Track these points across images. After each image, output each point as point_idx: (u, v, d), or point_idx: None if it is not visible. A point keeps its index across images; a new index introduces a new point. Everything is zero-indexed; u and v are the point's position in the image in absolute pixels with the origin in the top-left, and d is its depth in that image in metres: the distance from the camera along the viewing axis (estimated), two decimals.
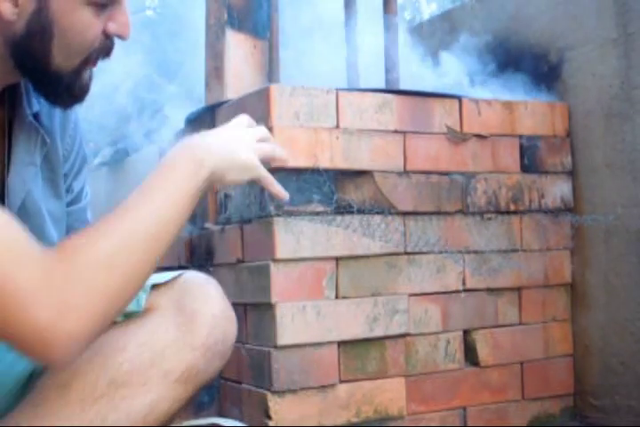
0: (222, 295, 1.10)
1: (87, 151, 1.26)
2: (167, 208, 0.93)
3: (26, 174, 1.04)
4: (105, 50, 1.02)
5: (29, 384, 1.01)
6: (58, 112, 1.12)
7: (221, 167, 1.02)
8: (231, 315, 1.10)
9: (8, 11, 0.92)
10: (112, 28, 0.99)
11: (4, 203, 1.02)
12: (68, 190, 1.18)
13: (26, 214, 1.04)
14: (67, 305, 0.82)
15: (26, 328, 0.80)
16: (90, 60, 1.01)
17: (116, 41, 1.03)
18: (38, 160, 1.07)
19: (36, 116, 1.07)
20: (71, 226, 1.20)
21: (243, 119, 1.14)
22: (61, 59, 0.97)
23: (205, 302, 1.05)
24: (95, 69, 1.05)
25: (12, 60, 0.98)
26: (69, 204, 1.19)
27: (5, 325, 0.80)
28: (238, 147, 1.07)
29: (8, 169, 1.02)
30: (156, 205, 0.93)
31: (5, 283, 0.79)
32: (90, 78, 1.04)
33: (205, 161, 1.00)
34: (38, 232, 1.07)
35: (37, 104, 1.07)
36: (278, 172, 1.63)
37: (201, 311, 1.04)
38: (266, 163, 1.12)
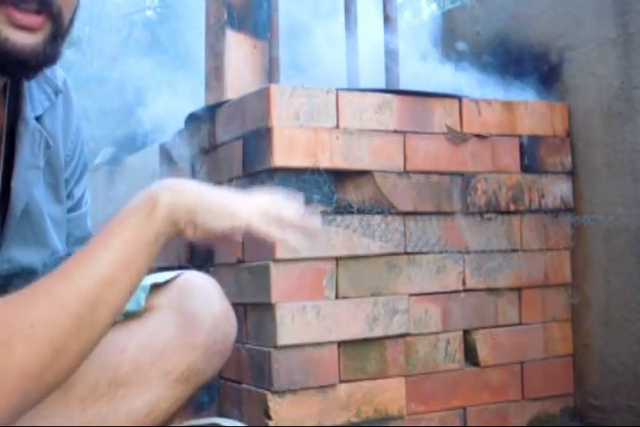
0: (222, 295, 1.10)
1: (87, 154, 1.26)
2: (111, 267, 0.81)
3: (30, 177, 1.04)
4: None
5: None
6: (60, 116, 1.12)
7: (185, 206, 0.87)
8: (231, 315, 1.10)
9: None
10: None
11: (7, 206, 1.01)
12: (69, 196, 1.18)
13: (28, 219, 1.04)
14: None
15: None
16: None
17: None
18: (42, 163, 1.06)
19: (38, 119, 1.06)
20: (71, 233, 1.19)
21: (274, 194, 0.97)
22: None
23: (205, 302, 1.05)
24: (56, 43, 0.92)
25: None
26: (70, 210, 1.18)
27: None
28: (224, 196, 0.92)
29: (11, 172, 1.02)
30: (99, 266, 0.81)
31: None
32: (39, 49, 0.89)
33: (160, 198, 0.86)
34: (40, 237, 1.07)
35: (41, 107, 1.06)
36: (278, 172, 1.63)
37: (201, 311, 1.04)
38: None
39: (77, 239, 1.22)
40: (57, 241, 1.11)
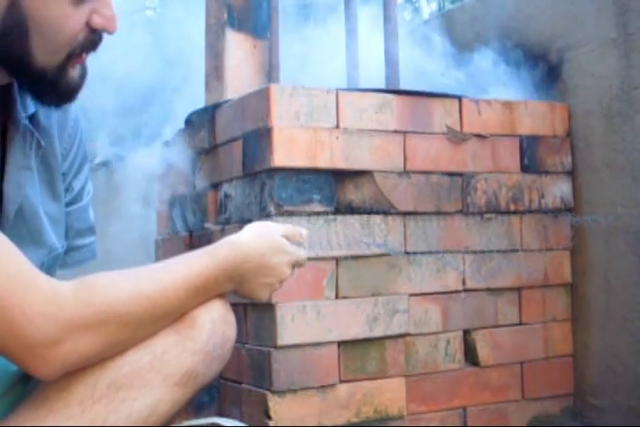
0: (222, 299, 1.09)
1: (88, 150, 1.26)
2: (178, 294, 0.99)
3: (22, 179, 1.03)
4: (91, 44, 0.99)
5: (27, 386, 1.01)
6: (56, 111, 1.12)
7: (242, 287, 1.10)
8: (231, 319, 1.09)
9: None
10: (97, 21, 0.96)
11: (1, 208, 1.01)
12: (68, 189, 1.18)
13: (23, 219, 1.04)
14: (65, 336, 0.87)
15: (27, 344, 0.86)
16: (74, 55, 0.97)
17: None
18: (33, 164, 1.06)
19: (32, 117, 1.06)
20: (72, 225, 1.19)
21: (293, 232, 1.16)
22: (42, 55, 0.95)
23: (205, 307, 1.04)
24: (86, 65, 1.02)
25: None
26: (70, 203, 1.18)
27: (7, 338, 0.85)
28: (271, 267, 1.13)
29: (3, 174, 1.02)
30: (174, 286, 0.99)
31: (14, 305, 0.84)
32: (81, 75, 1.01)
33: (234, 279, 1.07)
34: (36, 236, 1.07)
35: (33, 106, 1.06)
36: (278, 172, 1.63)
37: (200, 316, 1.03)
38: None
39: (78, 232, 1.22)
40: (54, 239, 1.10)
